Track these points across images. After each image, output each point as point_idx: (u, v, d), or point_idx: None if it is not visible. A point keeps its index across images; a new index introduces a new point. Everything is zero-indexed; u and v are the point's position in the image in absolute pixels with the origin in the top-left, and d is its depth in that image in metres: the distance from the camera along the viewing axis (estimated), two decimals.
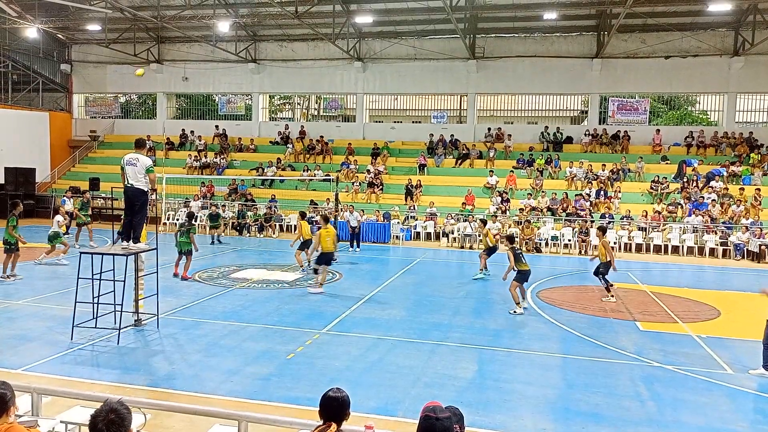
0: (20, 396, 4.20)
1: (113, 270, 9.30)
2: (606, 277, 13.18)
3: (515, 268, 11.85)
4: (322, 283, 13.41)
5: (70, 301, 9.49)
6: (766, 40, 23.97)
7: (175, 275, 14.43)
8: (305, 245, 16.04)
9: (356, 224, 21.14)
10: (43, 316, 10.52)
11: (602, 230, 13.92)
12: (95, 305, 9.27)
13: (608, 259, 13.10)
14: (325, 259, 13.54)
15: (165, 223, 25.36)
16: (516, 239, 12.71)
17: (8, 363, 8.02)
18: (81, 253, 9.33)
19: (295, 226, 25.40)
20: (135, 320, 9.92)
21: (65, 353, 8.55)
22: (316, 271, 13.71)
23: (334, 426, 3.32)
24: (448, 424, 2.85)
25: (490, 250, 16.08)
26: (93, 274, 9.12)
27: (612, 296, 13.21)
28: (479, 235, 17.53)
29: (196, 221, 17.96)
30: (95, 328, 9.25)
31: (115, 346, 8.89)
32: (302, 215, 17.49)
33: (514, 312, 11.50)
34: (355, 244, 20.94)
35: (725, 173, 25.16)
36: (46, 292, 12.43)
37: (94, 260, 9.16)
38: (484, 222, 17.69)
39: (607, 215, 23.47)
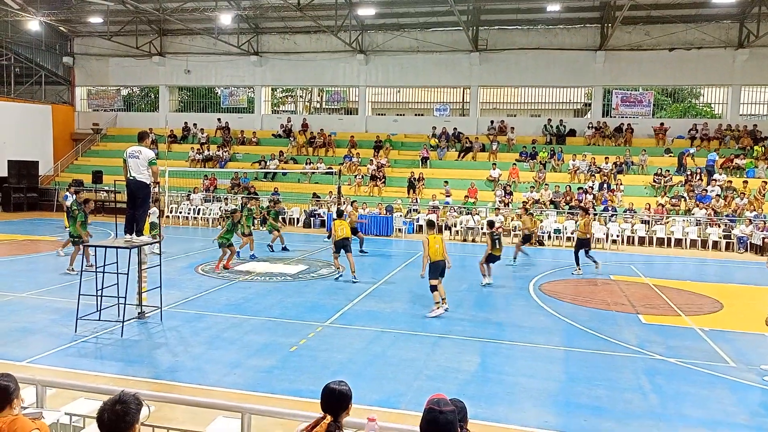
0: (25, 388, 4.22)
1: (116, 263, 9.32)
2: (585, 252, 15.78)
3: (490, 252, 13.75)
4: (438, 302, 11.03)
5: (74, 293, 9.51)
6: None
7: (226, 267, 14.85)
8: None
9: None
10: (47, 309, 10.55)
11: (585, 211, 16.80)
12: (99, 298, 9.29)
13: (588, 237, 15.94)
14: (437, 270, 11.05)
15: (168, 216, 25.40)
16: (495, 224, 15.43)
17: (13, 355, 8.06)
18: (84, 246, 9.34)
19: (297, 219, 25.48)
20: (138, 313, 9.95)
21: (69, 345, 8.59)
22: (434, 289, 11.08)
23: (329, 418, 3.32)
24: (451, 418, 2.84)
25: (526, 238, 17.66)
26: (96, 267, 9.13)
27: (579, 270, 15.69)
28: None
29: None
30: (99, 320, 9.28)
31: (119, 338, 8.92)
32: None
33: (484, 284, 13.68)
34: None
35: (717, 157, 25.07)
36: (49, 285, 12.47)
37: (97, 253, 9.17)
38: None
39: (610, 208, 23.43)
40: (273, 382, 7.39)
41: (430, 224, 12.13)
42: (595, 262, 15.83)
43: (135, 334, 9.24)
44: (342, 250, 13.74)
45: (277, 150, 30.04)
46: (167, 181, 24.46)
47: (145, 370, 7.67)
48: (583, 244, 15.90)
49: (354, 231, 17.66)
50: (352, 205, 19.21)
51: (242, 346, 8.76)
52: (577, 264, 15.79)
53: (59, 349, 8.44)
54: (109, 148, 32.71)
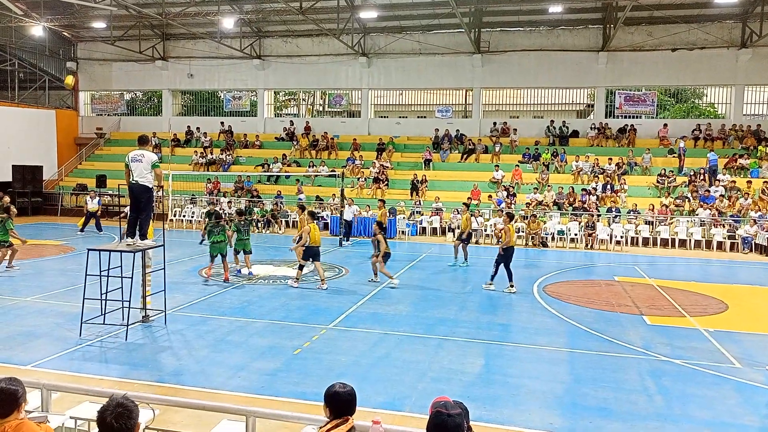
0: (30, 392, 4.23)
1: (120, 267, 9.34)
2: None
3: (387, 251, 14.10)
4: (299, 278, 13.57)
5: (78, 297, 9.53)
6: None
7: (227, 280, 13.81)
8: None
9: (350, 218, 21.44)
10: (51, 313, 10.58)
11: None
12: (103, 302, 9.31)
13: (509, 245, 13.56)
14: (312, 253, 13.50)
15: (171, 220, 25.45)
16: (383, 225, 15.63)
17: (18, 359, 8.08)
18: (89, 249, 9.36)
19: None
20: (143, 316, 9.96)
21: (74, 349, 8.60)
22: (301, 267, 13.74)
23: (351, 420, 3.33)
24: (459, 421, 2.84)
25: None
26: (101, 271, 9.15)
27: (491, 285, 13.49)
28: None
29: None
30: (103, 324, 9.30)
31: (123, 342, 8.93)
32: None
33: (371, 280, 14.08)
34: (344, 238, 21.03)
35: (717, 157, 24.95)
36: (54, 289, 12.50)
37: (101, 257, 9.19)
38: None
39: (613, 209, 23.38)
40: (277, 384, 7.39)
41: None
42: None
43: (139, 337, 9.25)
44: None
45: (280, 153, 30.09)
46: (171, 185, 24.50)
47: (149, 374, 7.68)
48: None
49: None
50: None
51: (246, 349, 8.76)
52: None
53: (64, 353, 8.46)
54: (113, 152, 32.81)
